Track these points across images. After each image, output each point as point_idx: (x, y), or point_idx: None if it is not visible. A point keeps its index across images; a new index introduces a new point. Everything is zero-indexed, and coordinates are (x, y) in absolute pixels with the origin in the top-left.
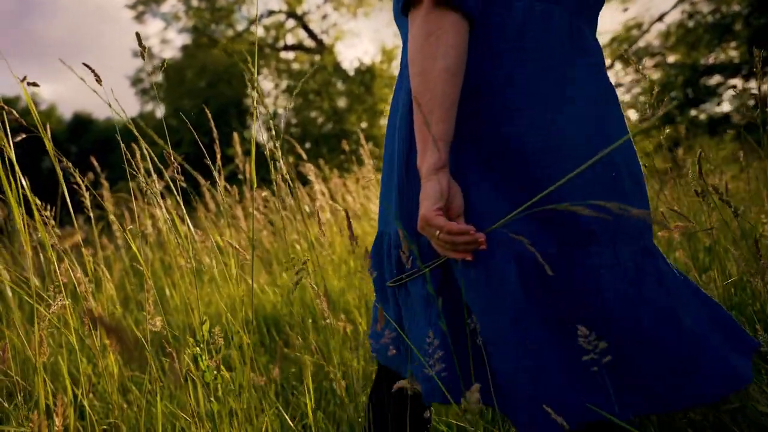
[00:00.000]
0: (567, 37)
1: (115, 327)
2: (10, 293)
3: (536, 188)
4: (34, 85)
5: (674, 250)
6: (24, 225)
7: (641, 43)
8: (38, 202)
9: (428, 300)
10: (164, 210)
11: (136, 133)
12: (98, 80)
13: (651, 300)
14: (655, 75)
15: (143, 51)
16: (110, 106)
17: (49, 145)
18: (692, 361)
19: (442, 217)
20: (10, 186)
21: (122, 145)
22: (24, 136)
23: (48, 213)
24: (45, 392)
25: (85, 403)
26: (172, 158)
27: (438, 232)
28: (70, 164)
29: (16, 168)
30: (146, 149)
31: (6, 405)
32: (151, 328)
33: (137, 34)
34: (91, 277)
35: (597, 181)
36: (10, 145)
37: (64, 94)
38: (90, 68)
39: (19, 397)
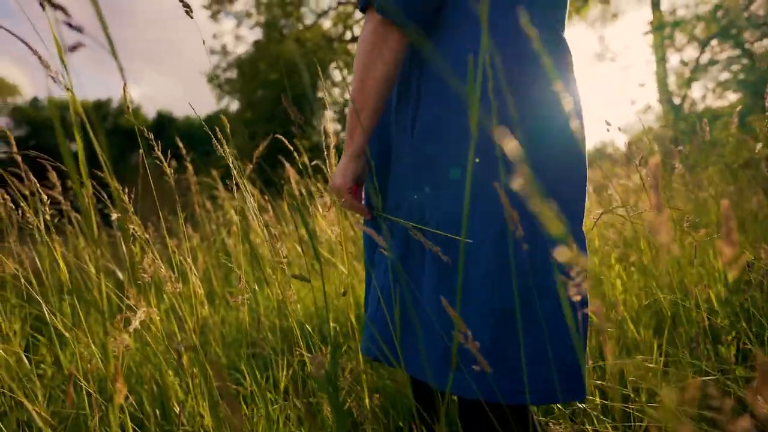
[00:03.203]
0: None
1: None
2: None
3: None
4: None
5: None
6: (90, 202)
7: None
8: (118, 185)
9: (373, 264)
10: (252, 197)
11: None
12: (188, 11)
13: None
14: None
15: None
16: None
17: (135, 124)
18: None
19: (351, 195)
20: (77, 163)
21: (213, 134)
22: None
23: (126, 197)
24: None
25: None
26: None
27: (342, 201)
28: (158, 151)
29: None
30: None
31: None
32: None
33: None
34: (177, 275)
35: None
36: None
37: (148, 94)
38: None
39: (96, 418)
